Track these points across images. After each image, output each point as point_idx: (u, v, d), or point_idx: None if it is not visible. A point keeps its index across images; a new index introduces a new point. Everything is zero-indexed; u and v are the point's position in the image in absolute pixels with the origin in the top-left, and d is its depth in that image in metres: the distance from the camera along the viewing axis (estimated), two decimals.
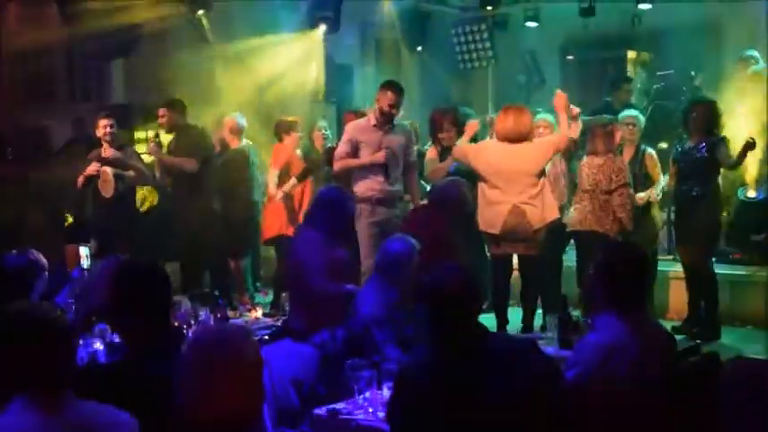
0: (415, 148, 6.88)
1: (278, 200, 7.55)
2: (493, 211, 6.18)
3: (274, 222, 7.68)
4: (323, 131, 8.11)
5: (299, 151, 7.84)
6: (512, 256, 6.41)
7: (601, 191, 6.29)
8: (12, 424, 2.29)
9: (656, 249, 7.04)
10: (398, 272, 4.59)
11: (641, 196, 6.64)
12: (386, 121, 6.40)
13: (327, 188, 5.83)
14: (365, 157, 6.40)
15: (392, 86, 6.41)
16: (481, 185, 6.29)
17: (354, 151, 6.44)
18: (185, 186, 7.58)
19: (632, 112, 7.21)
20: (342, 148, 6.53)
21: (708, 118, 6.48)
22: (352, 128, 6.56)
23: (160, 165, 7.80)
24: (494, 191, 6.19)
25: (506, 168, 6.17)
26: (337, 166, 6.54)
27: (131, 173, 7.44)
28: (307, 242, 5.21)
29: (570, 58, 11.38)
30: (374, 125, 6.43)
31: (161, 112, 7.72)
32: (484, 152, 6.33)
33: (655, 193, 6.86)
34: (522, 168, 6.16)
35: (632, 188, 6.47)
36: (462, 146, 6.49)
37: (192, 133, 7.70)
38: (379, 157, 6.32)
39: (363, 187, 6.39)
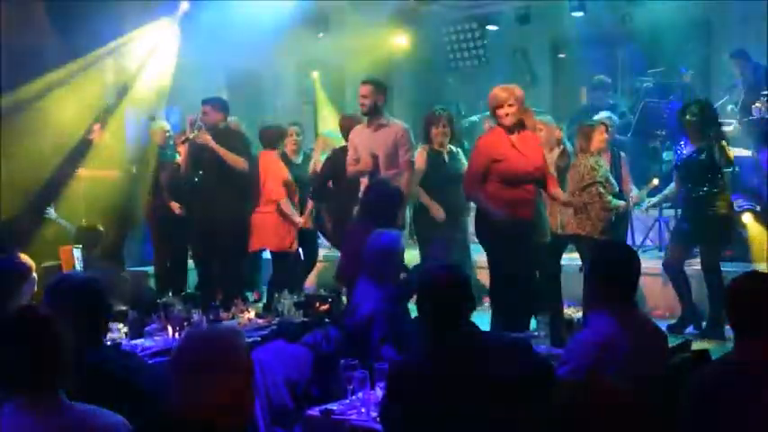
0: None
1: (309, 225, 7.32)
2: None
3: (261, 234, 7.28)
4: (294, 137, 7.67)
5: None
6: None
7: (578, 190, 6.24)
8: (4, 427, 2.29)
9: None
10: (388, 265, 4.57)
11: (621, 204, 6.47)
12: (370, 117, 6.59)
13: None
14: (359, 158, 6.62)
15: (362, 82, 6.68)
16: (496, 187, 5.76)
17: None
18: (223, 186, 7.18)
19: (606, 113, 7.27)
20: (349, 154, 6.78)
21: (702, 120, 6.46)
22: (353, 132, 6.82)
23: (189, 155, 7.26)
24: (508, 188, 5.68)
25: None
26: (348, 171, 6.78)
27: None
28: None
29: (562, 56, 11.41)
30: (365, 126, 6.68)
31: (205, 108, 7.17)
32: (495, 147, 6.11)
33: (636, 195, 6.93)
34: (528, 159, 5.73)
35: (605, 188, 6.29)
36: None
37: (235, 134, 7.32)
38: (362, 164, 6.53)
39: (360, 189, 6.53)
